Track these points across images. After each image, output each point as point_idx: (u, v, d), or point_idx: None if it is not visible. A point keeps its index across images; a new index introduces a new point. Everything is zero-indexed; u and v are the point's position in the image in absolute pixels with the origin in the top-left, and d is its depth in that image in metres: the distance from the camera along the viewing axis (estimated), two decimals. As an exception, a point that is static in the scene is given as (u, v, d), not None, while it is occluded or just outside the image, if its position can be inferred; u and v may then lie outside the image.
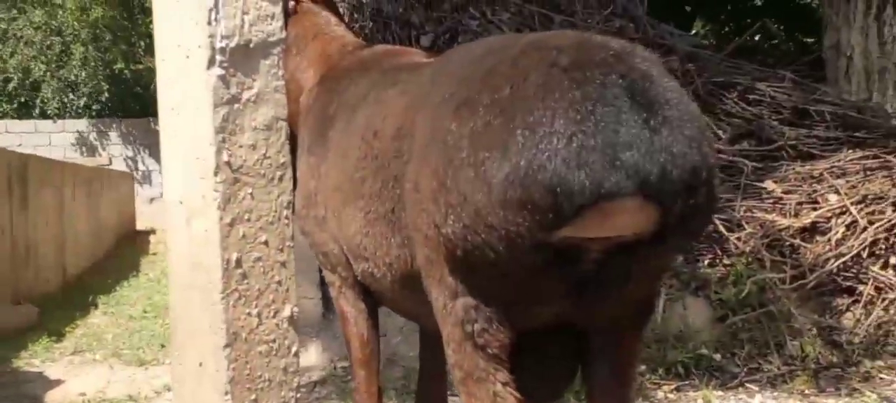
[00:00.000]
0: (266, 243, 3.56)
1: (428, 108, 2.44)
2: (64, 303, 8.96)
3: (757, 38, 11.00)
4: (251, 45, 3.47)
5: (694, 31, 13.99)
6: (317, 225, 3.43)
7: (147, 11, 19.81)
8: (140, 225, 16.74)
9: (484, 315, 2.35)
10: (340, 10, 6.90)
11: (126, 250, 13.85)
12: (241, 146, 3.50)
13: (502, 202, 2.03)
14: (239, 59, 3.45)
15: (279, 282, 3.59)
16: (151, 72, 20.25)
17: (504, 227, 2.07)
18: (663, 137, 1.98)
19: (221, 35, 3.39)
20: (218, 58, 3.39)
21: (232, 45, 3.42)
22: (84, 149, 21.06)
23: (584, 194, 1.93)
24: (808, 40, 11.89)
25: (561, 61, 2.10)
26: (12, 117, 21.45)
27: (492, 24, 6.78)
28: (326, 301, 5.89)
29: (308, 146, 3.53)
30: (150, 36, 18.46)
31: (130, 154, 21.35)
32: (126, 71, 21.44)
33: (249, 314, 3.51)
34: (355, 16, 6.95)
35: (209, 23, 3.37)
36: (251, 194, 3.52)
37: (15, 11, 21.92)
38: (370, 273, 3.02)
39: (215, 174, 3.43)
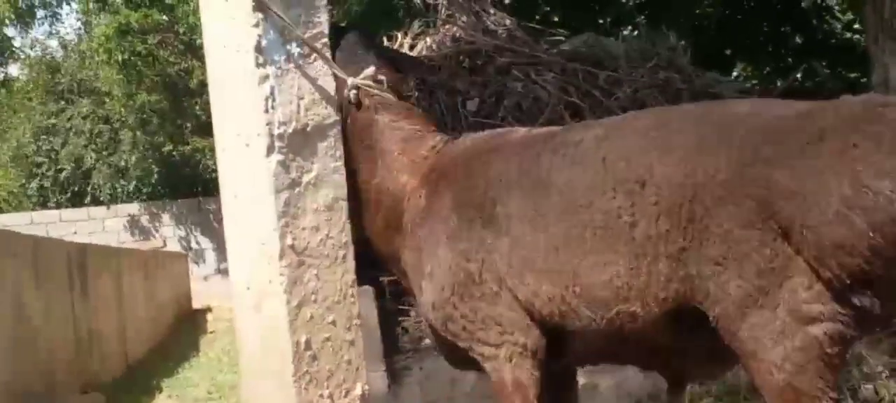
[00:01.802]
0: (333, 323, 3.59)
1: (771, 152, 2.79)
2: (129, 389, 9.03)
3: (798, 76, 10.98)
4: (308, 129, 3.54)
5: (735, 75, 13.94)
6: (484, 302, 3.41)
7: (192, 93, 20.19)
8: (196, 304, 16.87)
9: (843, 338, 2.75)
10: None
11: (185, 330, 13.94)
12: (303, 228, 3.55)
13: None
14: (297, 143, 3.51)
15: (349, 361, 3.62)
16: (199, 151, 20.60)
17: None
18: None
19: (279, 122, 3.46)
20: (277, 144, 3.45)
21: (289, 130, 3.48)
22: (137, 232, 21.31)
23: None
24: (854, 76, 11.81)
25: None
26: (66, 206, 21.77)
27: (536, 85, 6.80)
28: (392, 374, 5.89)
29: (449, 237, 3.49)
30: (195, 117, 18.76)
31: (183, 233, 21.56)
32: (174, 152, 21.74)
33: (322, 395, 3.54)
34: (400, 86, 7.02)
35: (266, 111, 3.43)
36: (316, 275, 3.57)
37: (63, 103, 22.35)
38: (630, 313, 3.11)
39: (280, 258, 3.48)
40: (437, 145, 3.76)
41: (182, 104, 20.96)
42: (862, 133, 2.68)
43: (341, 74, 3.67)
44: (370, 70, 3.77)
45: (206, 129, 18.56)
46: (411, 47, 7.46)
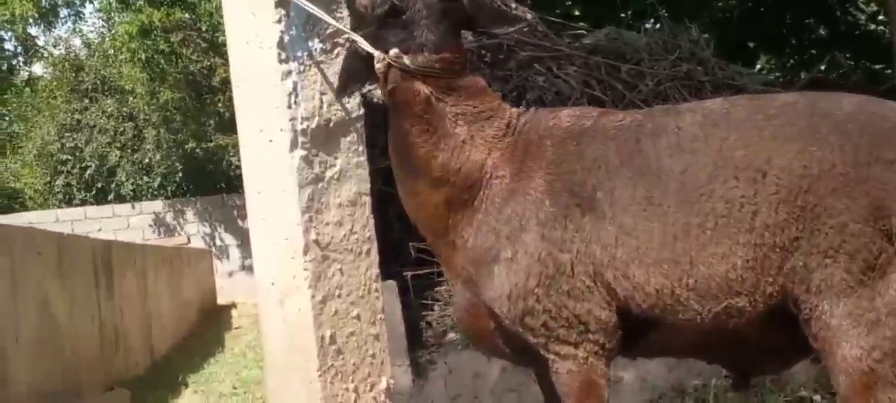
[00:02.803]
0: (358, 317, 3.61)
1: (889, 154, 2.91)
2: (154, 385, 9.08)
3: (822, 68, 10.91)
4: (331, 124, 3.55)
5: (758, 68, 13.87)
6: (569, 297, 3.23)
7: (214, 91, 20.24)
8: (221, 300, 16.96)
9: None
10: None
11: (209, 326, 14.01)
12: (327, 224, 3.57)
13: None
14: (320, 138, 3.53)
15: (373, 356, 3.64)
16: (222, 148, 20.66)
17: None
18: None
19: (302, 117, 3.47)
20: (300, 139, 3.47)
21: (313, 125, 3.50)
22: (161, 229, 21.40)
23: None
24: (878, 67, 11.73)
25: None
26: (90, 203, 21.90)
27: (558, 79, 6.78)
28: (416, 368, 5.90)
29: (540, 223, 3.26)
30: (218, 114, 18.80)
31: (207, 230, 21.64)
32: (198, 150, 21.82)
33: (347, 389, 3.56)
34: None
35: (289, 106, 3.45)
36: (340, 270, 3.58)
37: (87, 101, 22.47)
38: (738, 308, 3.10)
39: (304, 253, 3.50)
40: (512, 120, 3.46)
41: (205, 101, 21.02)
42: None
43: (369, 49, 3.36)
44: (394, 52, 3.33)
45: (229, 126, 18.64)
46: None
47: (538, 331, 3.29)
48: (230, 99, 12.55)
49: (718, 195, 3.05)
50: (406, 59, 3.32)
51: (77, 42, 25.33)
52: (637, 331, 3.29)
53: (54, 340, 7.21)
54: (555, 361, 3.30)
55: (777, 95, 3.44)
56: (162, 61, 18.24)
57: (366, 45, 3.37)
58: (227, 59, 9.87)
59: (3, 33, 23.14)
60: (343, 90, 3.57)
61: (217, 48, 18.24)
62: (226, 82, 16.48)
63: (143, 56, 17.58)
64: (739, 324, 3.13)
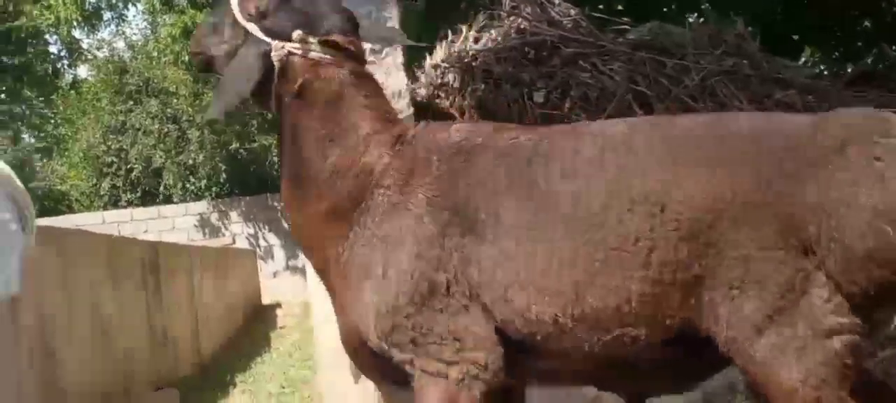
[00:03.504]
0: (408, 316, 3.61)
1: (791, 166, 2.81)
2: (203, 385, 9.16)
3: (868, 60, 10.76)
4: (382, 124, 3.56)
5: (803, 60, 13.73)
6: (446, 315, 3.11)
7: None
8: (265, 300, 17.06)
9: (862, 351, 2.79)
10: (452, 75, 7.02)
11: (255, 326, 14.10)
12: (378, 222, 3.57)
13: None
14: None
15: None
16: (265, 148, 20.75)
17: None
18: None
19: (353, 116, 3.48)
20: (351, 140, 3.48)
21: (363, 124, 3.51)
22: (206, 229, 21.55)
23: None
24: (927, 58, 11.55)
25: None
26: (137, 205, 22.11)
27: (603, 75, 6.74)
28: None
29: (418, 240, 3.15)
30: (261, 115, 18.86)
31: (251, 231, 21.77)
32: (241, 150, 21.98)
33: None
34: (466, 79, 7.00)
35: (340, 105, 3.46)
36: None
37: (131, 103, 22.68)
38: (631, 337, 2.98)
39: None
40: (405, 131, 3.38)
41: (248, 102, 21.15)
42: (882, 145, 2.74)
43: (263, 38, 3.27)
44: (298, 34, 3.28)
45: (271, 127, 18.73)
46: (476, 40, 7.45)
47: (406, 348, 3.15)
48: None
49: (611, 225, 2.94)
50: (313, 41, 3.25)
51: (121, 44, 25.66)
52: (521, 355, 3.13)
53: (105, 341, 7.29)
54: (421, 378, 3.15)
55: (677, 118, 3.31)
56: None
57: (261, 34, 3.27)
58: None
59: (47, 36, 23.44)
60: (226, 109, 3.46)
61: (260, 49, 18.34)
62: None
63: (187, 58, 17.69)
64: (634, 352, 3.02)
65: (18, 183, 5.06)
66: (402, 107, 3.62)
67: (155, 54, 22.03)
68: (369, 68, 3.47)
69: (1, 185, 4.90)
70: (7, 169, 5.15)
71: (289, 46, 3.25)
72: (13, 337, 5.13)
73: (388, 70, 3.55)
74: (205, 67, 3.60)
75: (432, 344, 3.12)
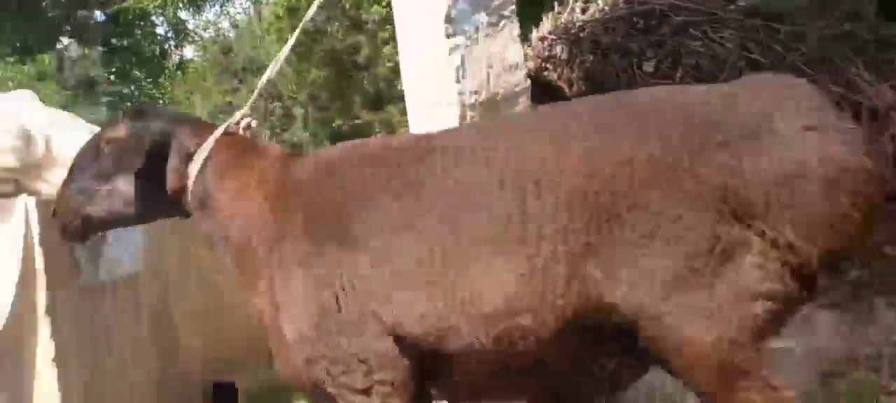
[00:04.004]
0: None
1: (707, 138, 2.73)
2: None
3: None
4: (498, 97, 3.56)
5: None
6: (343, 335, 3.09)
7: (359, 68, 20.51)
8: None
9: (783, 317, 2.75)
10: (559, 47, 6.98)
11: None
12: (495, 197, 3.57)
13: (872, 198, 2.71)
14: (488, 111, 3.54)
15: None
16: (368, 124, 20.94)
17: (873, 221, 2.73)
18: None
19: (470, 91, 3.49)
20: (468, 113, 3.50)
21: (480, 99, 3.52)
22: (311, 205, 21.83)
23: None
24: None
25: (823, 96, 2.90)
26: (243, 182, 22.46)
27: (714, 43, 6.63)
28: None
29: (301, 263, 3.19)
30: (364, 91, 19.02)
31: (355, 206, 22.00)
32: (345, 127, 22.19)
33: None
34: (574, 51, 6.95)
35: (457, 80, 3.48)
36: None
37: (237, 82, 23.06)
38: (520, 328, 2.89)
39: (474, 226, 3.51)
40: (276, 163, 3.46)
41: (350, 79, 21.35)
42: (816, 113, 2.77)
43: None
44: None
45: (374, 103, 18.88)
46: (583, 11, 7.39)
47: (326, 381, 3.14)
48: (375, 76, 12.62)
49: (482, 209, 2.88)
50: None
51: (225, 24, 26.07)
52: (435, 368, 3.10)
53: (220, 314, 7.44)
54: None
55: (588, 99, 3.25)
56: (308, 40, 18.56)
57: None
58: (371, 37, 9.82)
59: (154, 18, 23.98)
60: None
61: (361, 26, 18.47)
62: (370, 59, 16.74)
63: (286, 35, 17.92)
64: (529, 349, 2.91)
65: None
66: (519, 79, 3.60)
67: (259, 33, 22.35)
68: (489, 40, 3.50)
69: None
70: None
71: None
72: (135, 310, 5.29)
73: (505, 42, 3.54)
74: (83, 234, 3.84)
75: (342, 374, 3.10)
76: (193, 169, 3.45)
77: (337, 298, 3.06)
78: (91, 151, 3.60)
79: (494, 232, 2.85)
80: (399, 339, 3.03)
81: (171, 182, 3.49)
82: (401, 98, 14.33)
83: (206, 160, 3.44)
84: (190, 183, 3.44)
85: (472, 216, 2.89)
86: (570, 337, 2.86)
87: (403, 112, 13.84)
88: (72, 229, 3.74)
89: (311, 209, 3.21)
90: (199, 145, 3.47)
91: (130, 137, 3.50)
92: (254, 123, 3.67)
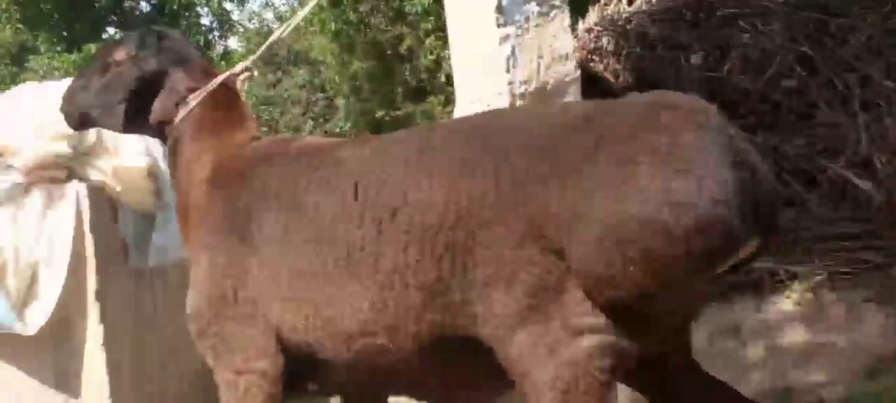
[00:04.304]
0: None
1: (545, 168, 2.60)
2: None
3: None
4: (548, 88, 3.55)
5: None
6: (235, 323, 3.21)
7: (402, 59, 20.56)
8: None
9: (614, 351, 2.54)
10: (606, 39, 6.95)
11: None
12: (545, 187, 3.57)
13: (687, 248, 2.37)
14: (537, 102, 3.53)
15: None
16: (410, 116, 20.97)
17: (685, 269, 2.43)
18: (764, 182, 2.52)
19: (520, 81, 3.49)
20: (518, 103, 3.49)
21: (530, 89, 3.51)
22: (353, 197, 21.88)
23: (744, 233, 2.40)
24: None
25: (701, 120, 2.50)
26: (285, 173, 22.56)
27: (763, 36, 6.57)
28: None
29: (210, 242, 3.33)
30: (405, 82, 19.06)
31: (397, 197, 22.03)
32: (386, 117, 22.23)
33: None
34: (621, 42, 6.92)
35: (508, 70, 3.47)
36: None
37: (280, 73, 23.18)
38: (378, 346, 2.94)
39: (522, 217, 3.51)
40: (236, 140, 3.54)
41: (392, 70, 21.39)
42: (639, 144, 2.47)
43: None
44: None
45: (416, 95, 18.90)
46: (629, 2, 7.36)
47: (209, 355, 3.27)
48: (417, 67, 12.62)
49: (340, 235, 2.93)
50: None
51: (269, 15, 26.18)
52: (304, 366, 3.16)
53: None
54: (222, 388, 3.25)
55: (455, 120, 3.25)
56: (351, 31, 18.62)
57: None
58: (413, 28, 9.82)
59: (199, 9, 24.15)
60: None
61: (404, 17, 18.49)
62: (412, 50, 16.75)
63: (333, 27, 17.97)
64: (390, 362, 2.95)
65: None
66: (569, 69, 3.59)
67: (302, 24, 22.44)
68: (539, 29, 3.49)
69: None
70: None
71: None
72: (182, 296, 5.33)
73: (556, 33, 3.53)
74: (79, 124, 3.91)
75: (226, 353, 3.21)
76: (181, 112, 3.54)
77: (235, 290, 3.18)
78: (102, 58, 3.73)
79: (352, 258, 2.91)
80: (280, 339, 3.13)
81: (153, 117, 3.61)
82: (442, 90, 14.35)
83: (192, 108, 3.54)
84: (175, 121, 3.55)
85: (336, 239, 2.95)
86: (439, 353, 2.86)
87: (445, 103, 13.86)
88: (69, 119, 3.86)
89: (229, 199, 3.32)
90: (191, 90, 3.54)
91: (127, 66, 3.59)
92: (256, 74, 3.82)
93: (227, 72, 3.64)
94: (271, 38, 3.99)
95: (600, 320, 2.53)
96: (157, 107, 3.60)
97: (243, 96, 3.74)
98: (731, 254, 2.46)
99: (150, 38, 3.64)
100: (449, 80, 13.24)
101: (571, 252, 2.52)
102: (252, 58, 3.77)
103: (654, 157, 2.41)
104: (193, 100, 3.52)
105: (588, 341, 2.54)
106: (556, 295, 2.57)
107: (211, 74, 3.63)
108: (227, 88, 3.63)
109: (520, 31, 3.49)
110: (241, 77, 3.70)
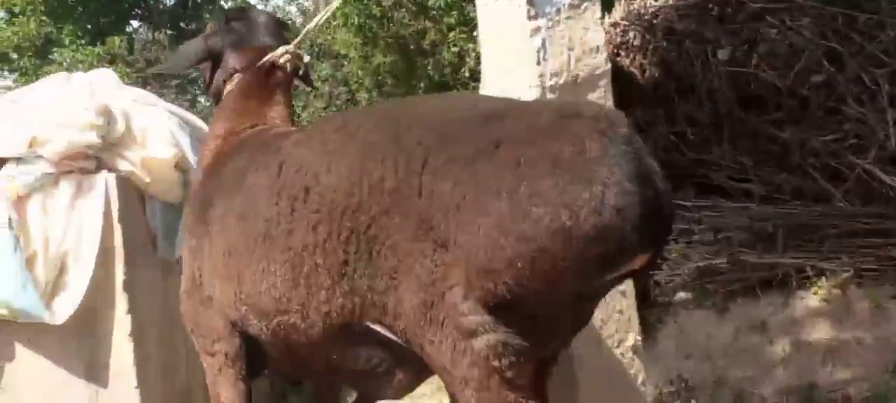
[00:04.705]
0: (605, 273, 3.59)
1: (435, 167, 2.57)
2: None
3: None
4: (578, 80, 3.54)
5: None
6: (202, 306, 3.39)
7: (424, 54, 20.56)
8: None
9: (512, 349, 2.51)
10: (632, 33, 6.92)
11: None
12: (574, 179, 3.56)
13: (580, 258, 2.36)
14: (568, 94, 3.52)
15: (620, 312, 3.62)
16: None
17: (575, 274, 2.41)
18: (663, 197, 2.44)
19: (550, 73, 3.48)
20: (548, 96, 3.48)
21: (560, 81, 3.50)
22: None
23: (638, 245, 2.37)
24: None
25: (604, 128, 2.44)
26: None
27: (791, 31, 6.53)
28: (644, 327, 5.85)
29: (189, 228, 3.58)
30: (428, 77, 19.04)
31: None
32: (408, 112, 22.25)
33: (594, 345, 3.56)
34: (647, 37, 6.89)
35: (538, 62, 3.46)
36: (587, 226, 3.57)
37: (303, 67, 23.20)
38: (291, 324, 2.98)
39: (553, 209, 3.50)
40: (240, 127, 3.71)
41: (415, 65, 21.38)
42: (540, 148, 2.43)
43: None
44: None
45: (438, 89, 18.88)
46: (656, -3, 7.32)
47: (191, 334, 3.49)
48: (439, 62, 12.61)
49: (262, 212, 3.01)
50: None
51: (293, 9, 26.20)
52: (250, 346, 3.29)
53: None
54: (206, 370, 3.43)
55: (378, 105, 3.39)
56: (374, 25, 18.61)
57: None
58: (436, 22, 9.83)
59: (223, 3, 24.22)
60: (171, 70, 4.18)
61: (427, 11, 18.48)
62: (435, 45, 16.74)
63: (357, 21, 17.96)
64: (303, 342, 2.98)
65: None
66: (600, 62, 3.57)
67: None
68: (567, 23, 3.48)
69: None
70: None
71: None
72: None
73: (587, 25, 3.51)
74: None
75: (199, 336, 3.44)
76: (227, 88, 3.87)
77: (200, 273, 3.38)
78: (201, 33, 4.18)
79: (270, 235, 2.98)
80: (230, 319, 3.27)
81: (209, 89, 4.07)
82: (465, 84, 14.33)
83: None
84: (223, 96, 3.88)
85: (259, 217, 3.03)
86: (352, 339, 2.89)
87: (469, 98, 13.81)
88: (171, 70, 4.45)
89: (203, 186, 3.56)
90: (237, 71, 3.86)
91: (200, 41, 3.99)
92: (306, 58, 4.06)
93: (270, 55, 3.83)
94: (309, 27, 4.28)
95: (486, 318, 2.50)
96: (215, 80, 3.95)
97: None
98: (623, 264, 2.44)
99: (224, 25, 4.01)
100: (472, 75, 13.24)
101: (458, 247, 2.50)
102: (285, 47, 3.86)
103: (556, 162, 2.38)
104: (234, 80, 3.83)
105: (480, 342, 2.51)
106: (445, 292, 2.53)
107: (259, 54, 3.85)
108: (264, 77, 3.82)
109: (550, 24, 3.48)
110: (283, 61, 3.85)
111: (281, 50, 3.83)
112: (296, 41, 3.92)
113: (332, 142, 2.91)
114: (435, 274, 2.54)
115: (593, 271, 2.44)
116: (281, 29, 4.12)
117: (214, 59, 3.97)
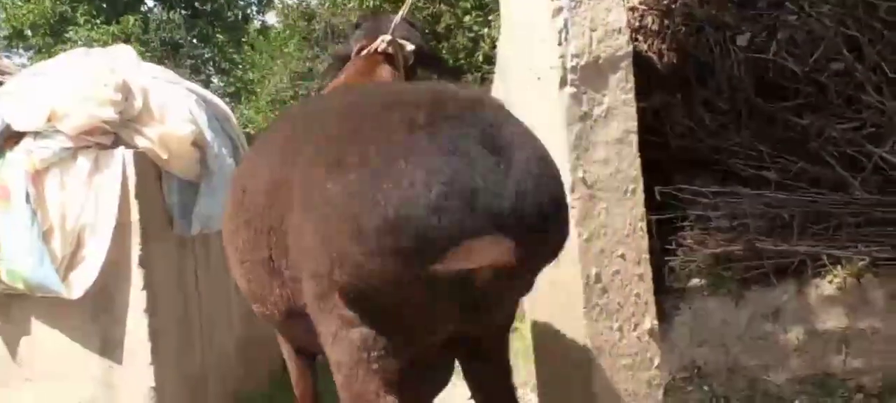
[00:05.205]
0: (623, 256, 3.59)
1: (301, 164, 2.65)
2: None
3: None
4: (600, 62, 3.52)
5: None
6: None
7: (439, 37, 20.53)
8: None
9: (381, 343, 2.59)
10: (650, 18, 6.88)
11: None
12: (594, 161, 3.55)
13: (376, 251, 2.34)
14: (589, 76, 3.51)
15: (638, 295, 3.62)
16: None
17: (384, 272, 2.39)
18: (513, 180, 2.34)
19: (572, 54, 3.46)
20: (570, 77, 3.47)
21: (582, 62, 3.48)
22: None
23: (446, 237, 2.28)
24: None
25: (418, 119, 2.41)
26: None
27: (811, 18, 6.49)
28: (660, 313, 5.84)
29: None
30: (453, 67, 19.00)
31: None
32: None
33: (611, 328, 3.56)
34: (665, 22, 6.85)
35: (560, 43, 3.45)
36: (606, 209, 3.57)
37: (317, 49, 23.19)
38: (264, 314, 3.16)
39: (571, 191, 3.50)
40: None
41: (430, 48, 21.34)
42: (349, 145, 2.49)
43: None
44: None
45: (452, 73, 18.87)
46: (675, -17, 7.28)
47: None
48: (454, 46, 12.60)
49: (230, 209, 3.18)
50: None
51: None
52: None
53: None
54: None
55: (306, 103, 3.50)
56: (389, 8, 18.59)
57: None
58: (451, 6, 9.83)
59: (237, -15, 24.24)
60: None
61: (442, -6, 18.47)
62: (449, 29, 16.73)
63: (371, 4, 17.94)
64: (278, 328, 3.31)
65: (236, 125, 5.27)
66: (621, 43, 3.55)
67: (340, 0, 22.43)
68: (589, 4, 3.48)
69: (224, 124, 5.11)
70: (227, 109, 5.36)
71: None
72: (224, 266, 5.37)
73: (608, 6, 3.50)
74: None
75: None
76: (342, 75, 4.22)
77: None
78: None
79: (233, 233, 3.14)
80: None
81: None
82: (479, 68, 14.31)
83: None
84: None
85: (231, 213, 3.17)
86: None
87: (481, 82, 13.80)
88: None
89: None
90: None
91: (345, 45, 4.54)
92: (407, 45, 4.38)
93: (371, 46, 4.25)
94: (396, 19, 4.38)
95: (355, 312, 2.59)
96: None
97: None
98: (432, 254, 2.32)
99: (364, 27, 4.48)
100: (487, 59, 13.22)
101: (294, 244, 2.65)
102: (383, 39, 4.22)
103: (360, 159, 2.41)
104: (343, 73, 4.20)
105: (356, 333, 2.60)
106: (330, 286, 2.59)
107: (360, 61, 4.24)
108: (371, 57, 4.22)
109: (573, 4, 3.46)
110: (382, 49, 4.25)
111: (381, 39, 4.19)
112: (391, 27, 4.24)
113: (267, 139, 3.13)
114: (321, 268, 2.58)
115: (398, 264, 2.37)
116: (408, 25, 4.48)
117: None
